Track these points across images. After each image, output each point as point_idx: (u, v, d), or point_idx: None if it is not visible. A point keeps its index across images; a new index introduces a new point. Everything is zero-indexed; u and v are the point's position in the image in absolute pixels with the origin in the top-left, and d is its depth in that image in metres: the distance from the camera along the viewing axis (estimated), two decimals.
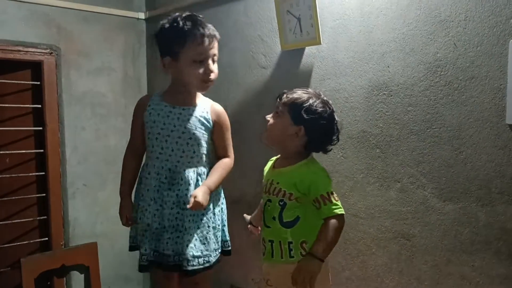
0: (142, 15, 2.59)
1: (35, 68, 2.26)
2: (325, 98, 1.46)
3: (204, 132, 1.67)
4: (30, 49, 2.21)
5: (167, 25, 1.61)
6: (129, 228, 1.77)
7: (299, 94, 1.45)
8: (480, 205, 1.40)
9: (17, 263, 2.14)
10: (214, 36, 1.60)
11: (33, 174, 2.29)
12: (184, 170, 1.65)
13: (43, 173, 2.29)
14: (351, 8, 1.66)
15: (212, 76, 1.62)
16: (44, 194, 2.30)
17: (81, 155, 2.40)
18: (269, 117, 1.50)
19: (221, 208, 1.78)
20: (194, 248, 1.64)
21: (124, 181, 1.76)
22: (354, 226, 1.70)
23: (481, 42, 1.36)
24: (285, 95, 1.46)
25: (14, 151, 2.22)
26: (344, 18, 1.68)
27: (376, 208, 1.64)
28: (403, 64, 1.54)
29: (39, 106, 2.26)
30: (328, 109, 1.43)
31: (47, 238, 2.32)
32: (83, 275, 2.31)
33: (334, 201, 1.40)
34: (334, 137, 1.46)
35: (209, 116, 1.69)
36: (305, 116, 1.40)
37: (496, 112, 1.34)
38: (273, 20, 1.90)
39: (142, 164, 1.77)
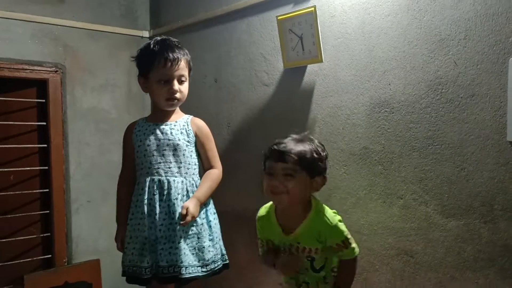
0: (146, 33, 2.62)
1: (41, 86, 2.29)
2: (309, 137, 1.48)
3: (187, 143, 1.78)
4: (36, 68, 2.24)
5: (142, 48, 1.81)
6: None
7: (301, 148, 1.40)
8: (483, 222, 1.40)
9: (20, 280, 2.13)
10: (178, 59, 1.74)
11: (37, 191, 2.30)
12: (174, 180, 1.73)
13: (47, 189, 2.30)
14: (352, 27, 1.69)
15: (177, 95, 1.76)
16: (47, 211, 2.31)
17: (85, 170, 2.41)
18: (277, 183, 1.40)
19: (217, 221, 1.84)
20: (189, 256, 1.70)
21: (120, 210, 1.86)
22: (357, 243, 1.70)
23: (481, 60, 1.38)
24: (289, 154, 1.38)
25: (19, 168, 2.24)
26: (346, 37, 1.71)
27: (379, 225, 1.65)
28: (404, 82, 1.55)
29: (44, 123, 2.28)
30: (323, 148, 1.47)
31: (50, 255, 2.32)
32: None
33: (352, 244, 1.47)
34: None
35: (190, 128, 1.82)
36: (319, 166, 1.42)
37: (497, 129, 1.36)
38: (276, 39, 1.92)
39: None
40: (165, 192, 1.72)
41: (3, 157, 2.21)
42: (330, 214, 1.47)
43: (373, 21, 1.62)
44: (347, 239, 1.45)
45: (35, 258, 2.28)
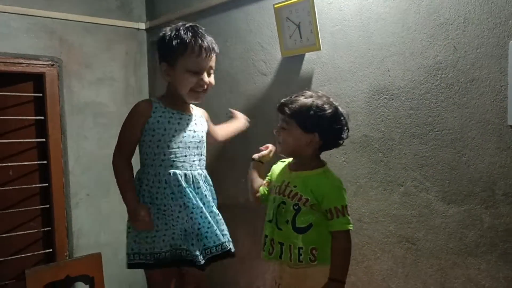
0: (142, 25, 2.60)
1: (37, 80, 2.28)
2: (326, 96, 1.47)
3: (205, 135, 1.79)
4: (32, 61, 2.23)
5: (169, 33, 1.65)
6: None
7: (301, 101, 1.42)
8: (484, 207, 1.39)
9: (22, 275, 2.13)
10: (213, 49, 1.65)
11: (37, 185, 2.29)
12: (196, 174, 1.73)
13: (47, 184, 2.30)
14: (350, 14, 1.67)
15: (206, 87, 1.68)
16: (47, 205, 2.31)
17: (84, 164, 2.41)
18: (276, 132, 1.50)
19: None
20: (211, 240, 1.72)
21: (126, 187, 1.69)
22: (358, 231, 1.69)
23: (481, 44, 1.36)
24: (287, 106, 1.43)
25: (17, 163, 2.23)
26: (343, 24, 1.69)
27: (380, 213, 1.64)
28: (403, 67, 1.54)
29: (42, 117, 2.27)
30: (334, 107, 1.44)
31: (51, 249, 2.32)
32: (87, 286, 2.30)
33: (346, 216, 1.42)
34: (345, 132, 1.47)
35: (204, 120, 1.83)
36: (315, 122, 1.41)
37: (497, 113, 1.34)
38: (273, 27, 1.91)
39: (141, 173, 1.73)
40: (192, 186, 1.70)
41: (2, 152, 2.21)
42: (337, 178, 1.49)
43: (371, 7, 1.60)
44: (343, 207, 1.42)
45: (36, 253, 2.29)
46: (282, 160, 1.63)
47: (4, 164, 2.20)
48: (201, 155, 1.76)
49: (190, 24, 1.67)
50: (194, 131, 1.73)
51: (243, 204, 2.12)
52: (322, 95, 1.46)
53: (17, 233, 2.23)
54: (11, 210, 2.21)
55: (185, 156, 1.70)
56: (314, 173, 1.47)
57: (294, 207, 1.44)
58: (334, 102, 1.46)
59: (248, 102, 2.09)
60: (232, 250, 1.75)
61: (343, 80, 1.71)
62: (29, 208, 2.27)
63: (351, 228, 1.43)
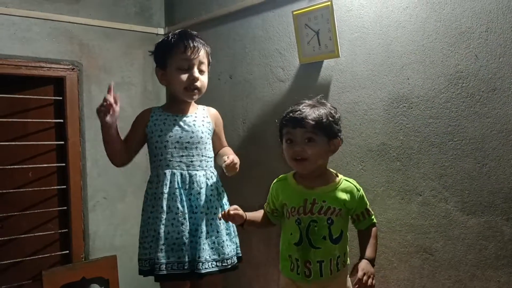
0: (161, 31, 2.63)
1: (58, 83, 2.31)
2: (324, 102, 1.49)
3: (208, 135, 1.79)
4: (53, 65, 2.26)
5: (159, 41, 1.79)
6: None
7: (315, 112, 1.40)
8: (505, 219, 1.37)
9: (39, 276, 2.16)
10: (198, 47, 1.71)
11: (55, 187, 2.32)
12: (195, 174, 1.72)
13: (64, 186, 2.32)
14: (369, 21, 1.66)
15: (198, 83, 1.72)
16: (65, 208, 2.33)
17: (101, 168, 2.43)
18: (299, 148, 1.42)
19: None
20: (209, 251, 1.68)
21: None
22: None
23: (504, 53, 1.34)
24: (307, 119, 1.39)
25: (37, 165, 2.26)
26: (363, 31, 1.68)
27: (397, 222, 1.62)
28: (423, 76, 1.53)
29: (61, 120, 2.31)
30: (336, 109, 1.48)
31: (68, 251, 2.34)
32: (102, 287, 2.32)
33: (371, 211, 1.51)
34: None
35: (209, 120, 1.82)
36: (338, 127, 1.45)
37: None
38: (291, 34, 1.91)
39: (149, 177, 1.79)
40: (187, 187, 1.71)
41: (22, 154, 2.24)
42: (354, 181, 1.51)
43: (391, 15, 1.60)
44: (368, 209, 1.50)
45: (53, 254, 2.31)
46: (275, 181, 1.58)
47: (24, 166, 2.23)
48: (203, 155, 1.75)
49: (179, 30, 1.78)
50: (192, 131, 1.74)
51: (255, 208, 2.11)
52: (321, 101, 1.49)
53: (35, 234, 2.25)
54: (30, 211, 2.24)
55: (182, 156, 1.71)
56: (341, 185, 1.47)
57: (328, 221, 1.43)
58: (331, 106, 1.49)
59: (264, 108, 2.09)
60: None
61: (362, 88, 1.70)
62: (47, 209, 2.29)
63: (375, 220, 1.52)
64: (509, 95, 1.34)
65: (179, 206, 1.68)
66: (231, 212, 1.52)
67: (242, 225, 1.57)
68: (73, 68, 2.33)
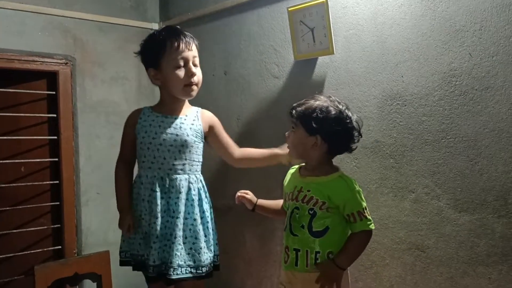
0: (156, 26, 2.61)
1: (51, 78, 2.29)
2: (337, 100, 1.46)
3: (195, 139, 1.72)
4: (46, 60, 2.25)
5: (146, 40, 1.73)
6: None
7: (308, 104, 1.44)
8: (496, 217, 1.38)
9: (31, 271, 2.14)
10: (190, 41, 1.67)
11: (47, 182, 2.31)
12: (176, 178, 1.68)
13: (57, 181, 2.31)
14: (364, 18, 1.66)
15: (195, 79, 1.68)
16: (58, 203, 2.32)
17: (94, 163, 2.42)
18: (287, 134, 1.52)
19: (213, 221, 1.78)
20: (181, 256, 1.65)
21: (122, 197, 1.77)
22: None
23: (497, 51, 1.35)
24: (295, 109, 1.46)
25: (29, 160, 2.25)
26: (358, 28, 1.68)
27: (390, 219, 1.63)
28: (417, 74, 1.53)
29: (54, 115, 2.29)
30: (338, 110, 1.42)
31: (60, 246, 2.33)
32: (95, 283, 2.31)
33: (368, 217, 1.43)
34: (355, 135, 1.45)
35: (200, 123, 1.75)
36: (316, 125, 1.40)
37: None
38: (286, 30, 1.90)
39: (134, 177, 1.80)
40: (166, 190, 1.67)
41: (14, 148, 2.22)
42: (353, 180, 1.47)
43: (386, 12, 1.60)
44: (364, 209, 1.43)
45: (45, 249, 2.30)
46: (292, 167, 1.63)
47: (16, 161, 2.22)
48: (186, 159, 1.69)
49: (164, 26, 1.75)
50: (177, 134, 1.68)
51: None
52: (334, 100, 1.46)
53: (27, 229, 2.24)
54: (22, 206, 2.23)
55: (164, 159, 1.68)
56: (330, 179, 1.45)
57: (310, 211, 1.43)
58: (342, 105, 1.44)
59: (259, 105, 2.09)
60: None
61: (356, 85, 1.70)
62: (39, 204, 2.28)
63: (373, 227, 1.44)
64: (502, 93, 1.35)
65: (155, 208, 1.66)
66: (238, 194, 1.69)
67: (253, 210, 1.70)
68: (67, 63, 2.31)
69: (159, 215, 1.66)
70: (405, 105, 1.57)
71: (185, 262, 1.65)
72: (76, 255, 2.35)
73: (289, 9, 1.82)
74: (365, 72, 1.67)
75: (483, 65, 1.38)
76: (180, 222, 1.66)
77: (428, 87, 1.51)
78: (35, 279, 2.10)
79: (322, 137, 1.42)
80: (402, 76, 1.57)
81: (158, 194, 1.67)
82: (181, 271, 1.64)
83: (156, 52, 1.66)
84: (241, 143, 1.96)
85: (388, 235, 1.63)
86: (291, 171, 1.61)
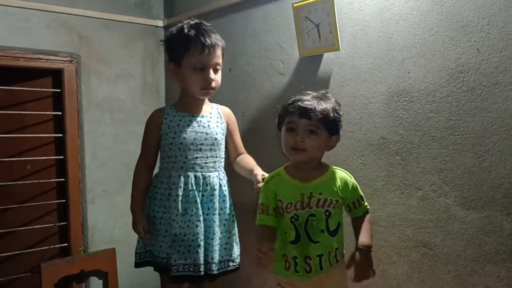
0: (160, 23, 2.61)
1: (56, 75, 2.30)
2: (329, 96, 1.48)
3: (222, 136, 1.75)
4: (51, 57, 2.25)
5: (174, 32, 1.69)
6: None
7: (322, 105, 1.39)
8: (505, 214, 1.36)
9: (37, 268, 2.16)
10: (216, 45, 1.65)
11: (53, 180, 2.31)
12: (209, 176, 1.70)
13: (63, 179, 2.32)
14: (370, 14, 1.65)
15: (213, 84, 1.68)
16: (64, 200, 2.33)
17: (100, 160, 2.42)
18: (300, 139, 1.40)
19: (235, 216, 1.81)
20: (222, 251, 1.71)
21: (137, 197, 1.76)
22: (374, 235, 1.66)
23: (506, 47, 1.33)
24: (313, 112, 1.37)
25: (35, 158, 2.25)
26: (363, 24, 1.67)
27: (397, 216, 1.62)
28: (424, 70, 1.51)
29: (60, 113, 2.29)
30: (338, 103, 1.47)
31: (66, 244, 2.34)
32: (101, 280, 2.32)
33: (365, 202, 1.52)
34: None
35: (223, 120, 1.79)
36: (339, 124, 1.45)
37: None
38: (291, 27, 1.89)
39: (157, 176, 1.78)
40: (201, 188, 1.68)
41: (20, 146, 2.23)
42: (347, 172, 1.51)
43: (392, 7, 1.58)
44: (362, 196, 1.51)
45: (52, 247, 2.31)
46: (267, 178, 1.54)
47: (22, 159, 2.22)
48: (216, 157, 1.73)
49: (196, 21, 1.68)
50: (207, 133, 1.71)
51: (254, 203, 2.10)
52: (327, 96, 1.47)
53: (34, 226, 2.25)
54: (28, 204, 2.24)
55: (196, 158, 1.68)
56: (332, 174, 1.47)
57: (326, 213, 1.43)
58: (335, 101, 1.47)
59: (264, 101, 2.08)
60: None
61: (362, 81, 1.69)
62: (45, 202, 2.29)
63: (369, 208, 1.53)
64: (510, 89, 1.33)
65: (194, 208, 1.66)
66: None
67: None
68: (72, 60, 2.31)
69: (200, 212, 1.66)
70: (411, 102, 1.55)
71: (222, 257, 1.71)
72: (82, 252, 2.36)
73: (294, 5, 1.80)
74: (371, 68, 1.66)
75: (491, 61, 1.36)
76: (216, 219, 1.70)
77: (435, 83, 1.49)
78: (41, 276, 2.11)
79: (338, 135, 1.47)
80: (408, 72, 1.55)
81: (194, 193, 1.67)
82: (220, 266, 1.70)
83: (179, 50, 1.66)
84: (246, 140, 1.95)
85: (395, 233, 1.62)
86: (276, 180, 1.49)
